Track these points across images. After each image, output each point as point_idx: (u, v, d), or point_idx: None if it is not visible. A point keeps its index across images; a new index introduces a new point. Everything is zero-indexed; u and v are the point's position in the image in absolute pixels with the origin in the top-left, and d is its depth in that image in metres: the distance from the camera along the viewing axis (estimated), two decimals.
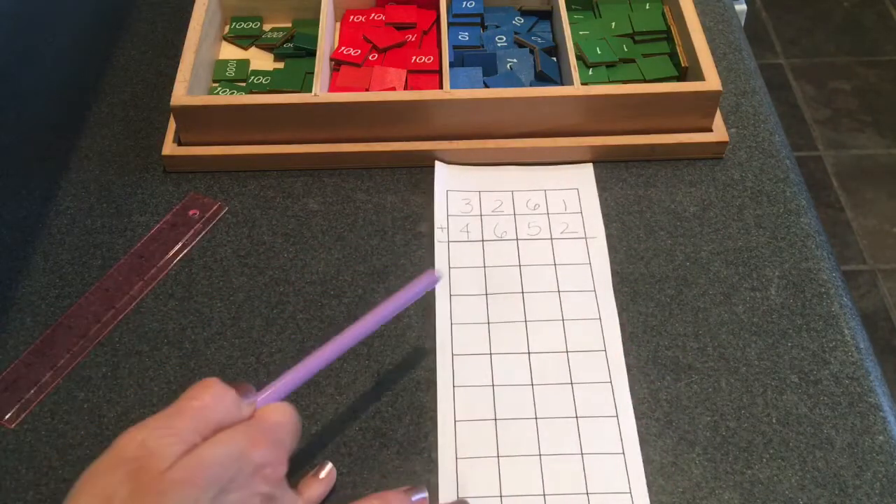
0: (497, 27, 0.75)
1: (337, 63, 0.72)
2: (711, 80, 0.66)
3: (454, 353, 0.57)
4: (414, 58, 0.72)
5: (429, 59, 0.71)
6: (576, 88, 0.66)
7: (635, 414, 0.54)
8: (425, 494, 0.49)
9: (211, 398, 0.42)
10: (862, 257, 1.63)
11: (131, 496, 0.36)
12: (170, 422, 0.40)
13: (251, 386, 0.45)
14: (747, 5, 1.58)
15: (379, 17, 0.76)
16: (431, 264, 0.62)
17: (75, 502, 0.37)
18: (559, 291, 0.60)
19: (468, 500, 0.51)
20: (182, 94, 0.65)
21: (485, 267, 0.62)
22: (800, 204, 0.65)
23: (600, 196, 0.66)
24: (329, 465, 0.51)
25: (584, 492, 0.51)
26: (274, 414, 0.44)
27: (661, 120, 0.67)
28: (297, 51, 0.74)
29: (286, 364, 0.47)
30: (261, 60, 0.75)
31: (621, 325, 0.59)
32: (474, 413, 0.55)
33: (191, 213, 0.65)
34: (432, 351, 0.57)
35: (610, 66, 0.72)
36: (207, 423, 0.41)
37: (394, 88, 0.69)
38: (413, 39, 0.74)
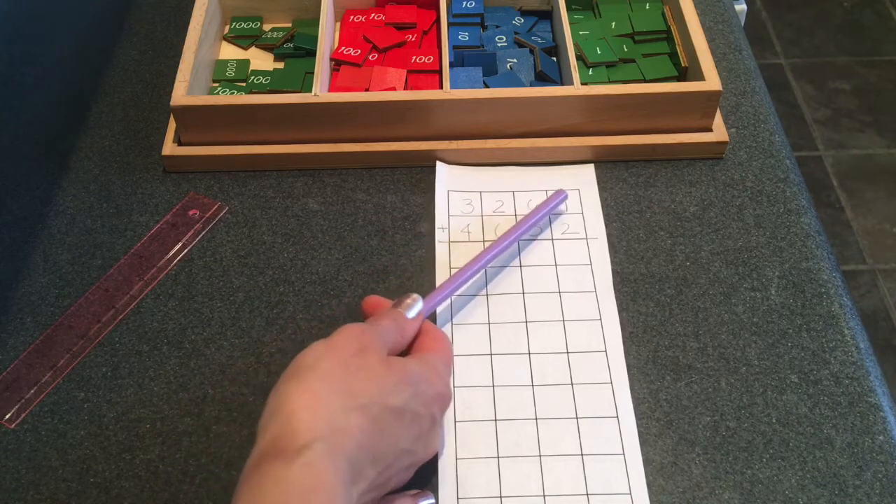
0: (497, 27, 0.75)
1: (337, 63, 0.72)
2: (711, 80, 0.66)
3: (454, 353, 0.57)
4: (414, 58, 0.72)
5: (429, 59, 0.71)
6: (576, 88, 0.66)
7: (635, 414, 0.54)
8: (433, 500, 0.49)
9: (387, 316, 0.51)
10: (862, 257, 1.63)
11: (360, 368, 0.45)
12: (375, 327, 0.49)
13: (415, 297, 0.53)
14: (747, 5, 1.58)
15: (379, 17, 0.76)
16: (432, 265, 0.62)
17: (321, 363, 0.45)
18: (560, 292, 0.60)
19: (468, 500, 0.51)
20: (182, 94, 0.65)
21: (485, 267, 0.62)
22: (800, 204, 0.65)
23: (600, 196, 0.66)
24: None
25: (584, 492, 0.51)
26: (440, 351, 0.51)
27: (661, 120, 0.67)
28: (297, 51, 0.74)
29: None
30: (261, 60, 0.75)
31: (621, 324, 0.59)
32: (474, 413, 0.55)
33: (191, 213, 0.65)
34: None
35: (610, 66, 0.72)
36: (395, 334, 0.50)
37: (394, 88, 0.69)
38: (413, 39, 0.74)
